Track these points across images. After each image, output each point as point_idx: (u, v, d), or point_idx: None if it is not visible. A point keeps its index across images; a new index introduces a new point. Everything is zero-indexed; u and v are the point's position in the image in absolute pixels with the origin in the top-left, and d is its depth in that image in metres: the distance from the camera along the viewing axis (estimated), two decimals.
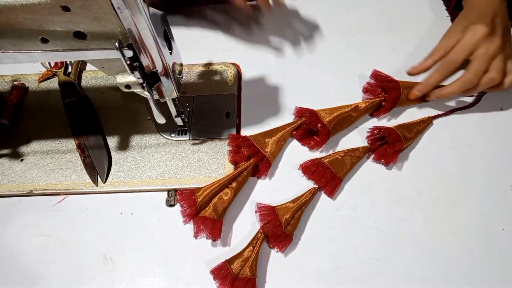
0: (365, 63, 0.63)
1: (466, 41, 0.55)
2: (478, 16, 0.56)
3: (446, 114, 0.59)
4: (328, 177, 0.54)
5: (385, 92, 0.59)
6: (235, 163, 0.56)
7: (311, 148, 0.58)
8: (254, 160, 0.54)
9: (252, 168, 0.54)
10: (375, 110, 0.60)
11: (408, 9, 0.69)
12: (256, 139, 0.56)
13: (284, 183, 0.56)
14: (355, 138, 0.58)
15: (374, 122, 0.59)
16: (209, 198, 0.52)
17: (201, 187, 0.52)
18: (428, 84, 0.58)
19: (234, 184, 0.53)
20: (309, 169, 0.55)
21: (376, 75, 0.61)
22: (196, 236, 0.51)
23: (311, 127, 0.57)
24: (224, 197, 0.52)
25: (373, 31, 0.68)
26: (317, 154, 0.57)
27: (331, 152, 0.57)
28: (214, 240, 0.52)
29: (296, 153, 0.58)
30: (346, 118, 0.57)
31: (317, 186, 0.54)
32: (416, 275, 0.49)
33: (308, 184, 0.55)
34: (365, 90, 0.61)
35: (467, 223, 0.52)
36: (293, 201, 0.53)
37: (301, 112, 0.59)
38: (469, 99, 0.60)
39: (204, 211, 0.51)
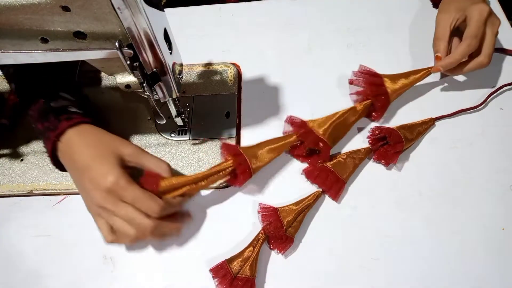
0: (365, 63, 0.62)
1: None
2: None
3: (450, 115, 0.59)
4: (332, 180, 0.53)
5: (370, 90, 0.58)
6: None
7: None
8: (234, 165, 0.51)
9: (229, 172, 0.51)
10: (371, 111, 0.58)
11: (407, 9, 0.69)
12: (246, 151, 0.52)
13: (287, 187, 0.55)
14: (356, 138, 0.58)
15: (376, 122, 0.59)
16: (173, 189, 0.48)
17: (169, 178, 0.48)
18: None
19: (203, 183, 0.50)
20: (312, 173, 0.55)
21: (362, 71, 0.60)
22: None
23: (311, 146, 0.54)
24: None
25: (373, 31, 0.68)
26: None
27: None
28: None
29: None
30: (341, 126, 0.56)
31: (321, 190, 0.54)
32: (416, 275, 0.49)
33: (311, 189, 0.55)
34: (351, 82, 0.61)
35: (467, 223, 0.52)
36: (296, 203, 0.52)
37: (293, 125, 0.56)
38: (472, 101, 0.60)
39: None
